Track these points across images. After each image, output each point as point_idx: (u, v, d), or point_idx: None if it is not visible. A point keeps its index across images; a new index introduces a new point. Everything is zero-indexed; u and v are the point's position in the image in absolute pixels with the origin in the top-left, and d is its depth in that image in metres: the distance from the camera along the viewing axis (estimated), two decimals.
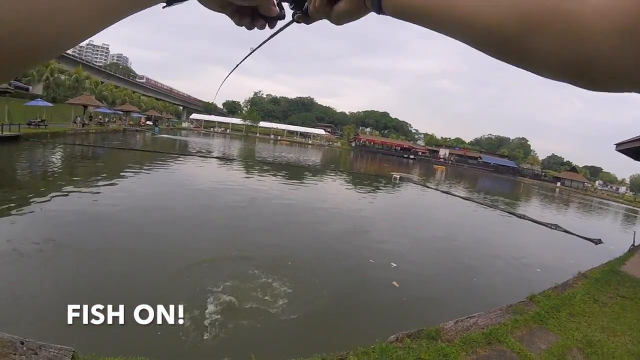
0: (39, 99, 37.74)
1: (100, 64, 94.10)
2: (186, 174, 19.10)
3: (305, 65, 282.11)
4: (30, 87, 48.31)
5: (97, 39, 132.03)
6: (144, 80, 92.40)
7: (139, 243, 7.88)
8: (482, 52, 0.41)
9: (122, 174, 16.63)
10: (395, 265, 8.01)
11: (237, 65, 0.99)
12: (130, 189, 13.53)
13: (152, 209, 10.77)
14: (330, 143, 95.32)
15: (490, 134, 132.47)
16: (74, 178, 15.17)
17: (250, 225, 10.25)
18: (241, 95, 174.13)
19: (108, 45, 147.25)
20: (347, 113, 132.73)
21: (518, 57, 0.39)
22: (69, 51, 66.74)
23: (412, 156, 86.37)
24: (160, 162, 22.00)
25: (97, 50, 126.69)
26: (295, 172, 25.10)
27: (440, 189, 26.28)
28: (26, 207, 9.58)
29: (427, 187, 26.45)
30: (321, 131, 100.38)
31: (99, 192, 12.49)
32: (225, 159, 28.82)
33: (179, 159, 25.42)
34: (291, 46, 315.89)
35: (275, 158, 36.20)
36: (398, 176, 27.76)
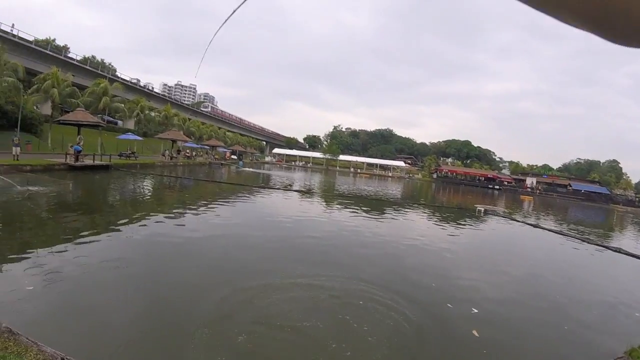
0: (130, 133, 39.25)
1: (188, 103, 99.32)
2: (268, 205, 19.53)
3: (383, 96, 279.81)
4: (121, 122, 51.21)
5: (186, 80, 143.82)
6: (208, 109, 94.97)
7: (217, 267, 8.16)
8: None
9: (206, 203, 17.12)
10: (476, 310, 7.06)
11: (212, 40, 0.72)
12: (213, 217, 13.91)
13: (231, 237, 11.10)
14: (411, 175, 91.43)
15: (579, 159, 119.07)
16: (161, 205, 16.09)
17: (326, 258, 9.82)
18: (321, 130, 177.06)
19: (195, 85, 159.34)
20: (428, 143, 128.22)
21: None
22: (158, 90, 71.67)
23: (497, 186, 79.67)
24: (243, 194, 22.28)
25: (185, 90, 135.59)
26: (374, 205, 24.32)
27: (528, 221, 23.89)
28: (113, 229, 10.44)
29: (514, 219, 24.19)
30: (401, 163, 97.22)
31: (182, 219, 13.12)
32: (306, 192, 28.37)
33: (261, 191, 25.46)
34: (368, 77, 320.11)
35: (355, 191, 34.57)
36: (482, 209, 25.56)
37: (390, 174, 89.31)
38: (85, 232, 9.61)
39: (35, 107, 33.33)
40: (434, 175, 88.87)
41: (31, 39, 42.43)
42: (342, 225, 14.77)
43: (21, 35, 41.12)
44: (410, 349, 5.42)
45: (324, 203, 23.27)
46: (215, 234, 11.08)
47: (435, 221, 20.62)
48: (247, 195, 22.05)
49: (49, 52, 43.87)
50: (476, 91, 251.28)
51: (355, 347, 5.26)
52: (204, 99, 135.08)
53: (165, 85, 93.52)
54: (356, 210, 19.89)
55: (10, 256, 7.28)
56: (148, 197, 19.03)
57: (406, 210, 23.96)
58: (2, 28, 38.62)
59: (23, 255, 7.36)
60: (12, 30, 39.95)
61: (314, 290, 7.07)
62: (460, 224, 19.79)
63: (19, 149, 20.19)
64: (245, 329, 5.30)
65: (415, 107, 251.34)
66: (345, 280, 7.78)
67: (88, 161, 24.79)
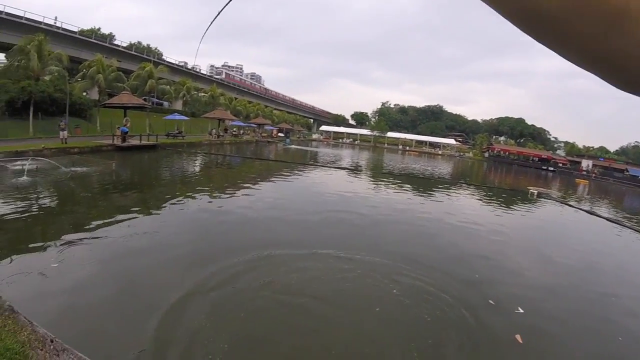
0: (176, 114, 40.01)
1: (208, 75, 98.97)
2: (315, 182, 18.77)
3: (432, 72, 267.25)
4: (168, 103, 52.39)
5: (232, 61, 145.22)
6: (222, 76, 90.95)
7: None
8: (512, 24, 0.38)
9: (252, 181, 17.18)
10: (522, 311, 6.08)
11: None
12: (260, 194, 13.92)
13: (277, 211, 11.12)
14: (461, 153, 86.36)
15: (637, 142, 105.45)
16: (208, 183, 16.27)
17: (368, 232, 9.75)
18: (369, 107, 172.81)
19: (242, 65, 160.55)
20: (480, 120, 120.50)
21: (552, 37, 0.37)
22: (206, 72, 72.56)
23: (551, 168, 73.05)
24: (289, 171, 21.87)
25: (232, 70, 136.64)
26: (422, 184, 23.28)
27: (583, 207, 21.68)
28: (162, 204, 10.89)
29: (568, 204, 22.04)
30: (451, 141, 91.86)
31: (232, 196, 13.34)
32: (353, 169, 27.49)
33: (307, 168, 24.86)
34: (416, 54, 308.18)
35: (403, 169, 32.82)
36: (536, 191, 23.69)
37: (440, 152, 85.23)
38: (122, 210, 9.74)
39: (85, 93, 34.81)
40: (486, 154, 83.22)
41: (76, 29, 44.62)
42: (388, 204, 14.12)
43: (65, 27, 43.25)
44: (442, 354, 4.77)
45: (371, 181, 22.30)
46: (260, 211, 10.96)
47: (485, 203, 19.55)
48: (293, 173, 21.55)
49: (93, 41, 45.69)
50: (529, 67, 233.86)
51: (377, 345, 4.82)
52: (251, 78, 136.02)
53: (213, 66, 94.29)
54: (404, 190, 19.05)
55: (41, 232, 7.66)
56: (193, 174, 19.31)
57: (455, 190, 22.58)
58: (45, 22, 40.68)
59: (52, 232, 7.69)
60: (55, 23, 42.01)
61: (343, 269, 6.86)
62: (511, 207, 18.48)
63: (66, 132, 20.82)
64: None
65: (465, 83, 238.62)
66: (382, 263, 7.31)
67: (135, 142, 25.38)
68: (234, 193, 13.95)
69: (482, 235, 11.29)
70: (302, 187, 17.09)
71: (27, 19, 39.18)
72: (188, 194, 12.81)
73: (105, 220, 8.49)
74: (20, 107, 25.87)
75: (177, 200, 11.63)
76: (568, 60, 0.38)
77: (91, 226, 8.08)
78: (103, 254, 6.56)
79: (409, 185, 20.86)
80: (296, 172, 22.31)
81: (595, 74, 0.37)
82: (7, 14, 37.59)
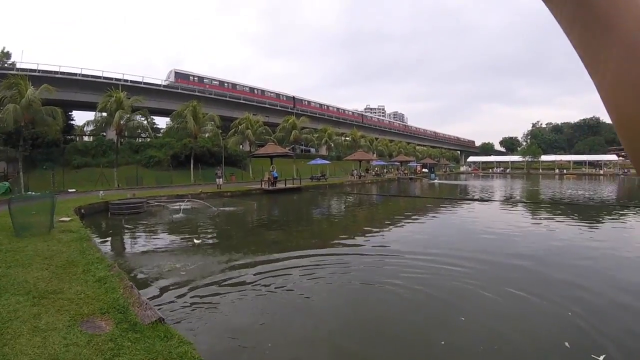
0: (319, 159, 42.58)
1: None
2: (465, 217, 16.82)
3: (584, 78, 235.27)
4: (313, 150, 55.84)
5: (374, 102, 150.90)
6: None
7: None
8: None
9: (395, 218, 16.28)
10: None
11: None
12: (405, 232, 12.76)
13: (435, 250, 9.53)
14: (626, 170, 70.29)
15: None
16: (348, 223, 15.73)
17: (530, 277, 7.36)
18: (518, 130, 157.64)
19: (383, 105, 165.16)
20: None
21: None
22: (346, 116, 75.98)
23: None
24: (434, 207, 19.99)
25: (374, 112, 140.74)
26: (585, 212, 18.74)
27: None
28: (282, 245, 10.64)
29: None
30: (613, 157, 76.53)
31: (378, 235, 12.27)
32: (506, 201, 24.27)
33: (455, 203, 22.37)
34: (563, 60, 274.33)
35: (560, 196, 27.36)
36: None
37: (601, 172, 71.69)
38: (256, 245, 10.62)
39: (240, 146, 39.27)
40: None
41: (227, 94, 52.54)
42: (549, 238, 11.53)
43: (217, 93, 51.70)
44: None
45: (527, 213, 18.80)
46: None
47: None
48: (441, 208, 19.53)
49: (241, 102, 52.99)
50: None
51: None
52: (394, 117, 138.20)
53: (355, 110, 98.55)
54: (564, 219, 15.72)
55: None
56: (323, 211, 19.38)
57: (622, 215, 17.32)
58: (199, 89, 49.35)
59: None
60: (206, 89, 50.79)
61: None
62: None
63: (221, 180, 23.45)
64: None
65: None
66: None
67: (280, 185, 27.54)
68: (370, 231, 12.77)
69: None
70: (450, 224, 15.03)
71: (182, 87, 47.78)
72: (319, 240, 11.66)
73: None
74: (183, 159, 31.34)
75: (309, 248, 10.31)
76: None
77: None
78: None
79: (571, 214, 17.50)
80: (440, 207, 19.99)
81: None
82: (165, 86, 46.80)
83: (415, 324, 5.35)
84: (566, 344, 4.50)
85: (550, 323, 5.21)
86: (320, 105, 68.72)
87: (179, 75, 48.20)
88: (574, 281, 6.98)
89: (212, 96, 49.59)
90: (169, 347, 3.47)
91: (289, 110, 57.47)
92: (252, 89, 56.99)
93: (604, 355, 4.17)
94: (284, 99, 60.94)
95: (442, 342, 4.59)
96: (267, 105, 56.93)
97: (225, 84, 53.61)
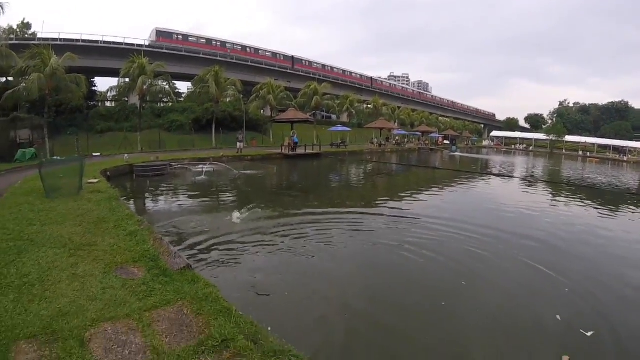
0: (339, 125, 42.27)
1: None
2: (481, 193, 16.65)
3: (615, 61, 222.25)
4: (334, 116, 56.00)
5: (398, 70, 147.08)
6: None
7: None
8: None
9: (415, 189, 16.39)
10: None
11: None
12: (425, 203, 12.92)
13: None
14: None
15: None
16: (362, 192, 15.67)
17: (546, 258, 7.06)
18: (545, 108, 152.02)
19: (408, 74, 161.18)
20: None
21: None
22: (369, 83, 74.18)
23: None
24: (451, 180, 19.95)
25: (398, 80, 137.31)
26: (603, 197, 17.39)
27: None
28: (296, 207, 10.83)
29: None
30: (639, 144, 72.73)
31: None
32: (527, 179, 23.39)
33: (472, 177, 22.09)
34: (597, 41, 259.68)
35: (582, 180, 25.55)
36: None
37: (625, 158, 68.15)
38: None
39: (261, 111, 39.78)
40: None
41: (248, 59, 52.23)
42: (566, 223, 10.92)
43: (237, 57, 51.44)
44: None
45: (548, 194, 17.94)
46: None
47: None
48: (459, 182, 19.37)
49: (264, 67, 52.60)
50: None
51: None
52: (418, 86, 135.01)
53: (379, 77, 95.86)
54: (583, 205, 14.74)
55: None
56: (340, 179, 19.71)
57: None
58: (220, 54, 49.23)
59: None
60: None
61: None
62: None
63: (242, 144, 23.93)
64: None
65: None
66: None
67: (300, 151, 27.75)
68: (386, 201, 12.85)
69: None
70: (469, 199, 14.81)
71: (204, 52, 47.71)
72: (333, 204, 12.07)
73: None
74: (204, 124, 31.96)
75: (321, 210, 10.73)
76: None
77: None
78: None
79: (590, 198, 16.11)
80: (461, 180, 19.91)
81: None
82: (187, 50, 46.48)
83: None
84: (557, 316, 4.68)
85: (550, 296, 5.42)
86: (323, 66, 65.98)
87: (161, 34, 46.52)
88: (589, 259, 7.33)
89: (234, 61, 49.31)
90: (195, 289, 3.80)
91: (288, 71, 56.74)
92: (244, 48, 54.77)
93: (592, 332, 4.30)
94: (282, 58, 58.72)
95: (443, 303, 5.03)
96: (289, 71, 56.35)
97: (214, 42, 51.46)
